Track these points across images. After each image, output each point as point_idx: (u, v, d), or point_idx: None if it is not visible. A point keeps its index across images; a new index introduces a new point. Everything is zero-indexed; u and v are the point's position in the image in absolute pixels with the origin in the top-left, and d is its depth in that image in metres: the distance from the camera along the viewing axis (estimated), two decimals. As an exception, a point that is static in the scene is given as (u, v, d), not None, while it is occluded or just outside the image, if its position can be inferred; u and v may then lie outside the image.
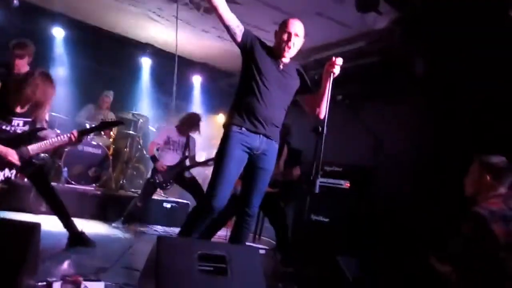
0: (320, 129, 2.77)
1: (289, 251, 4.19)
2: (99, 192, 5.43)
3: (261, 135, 2.59)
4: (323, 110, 2.70)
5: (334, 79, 2.56)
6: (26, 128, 3.15)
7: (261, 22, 5.06)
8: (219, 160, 2.54)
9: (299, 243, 4.40)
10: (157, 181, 4.96)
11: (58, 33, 6.29)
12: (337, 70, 2.53)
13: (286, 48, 2.60)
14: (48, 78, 3.10)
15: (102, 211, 5.13)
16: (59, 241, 3.37)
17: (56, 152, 5.26)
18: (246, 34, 2.61)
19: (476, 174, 2.40)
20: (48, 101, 3.16)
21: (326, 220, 4.57)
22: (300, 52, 2.81)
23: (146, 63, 7.18)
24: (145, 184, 5.11)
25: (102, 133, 6.15)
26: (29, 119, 3.15)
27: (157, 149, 5.15)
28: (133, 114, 6.48)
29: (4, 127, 3.04)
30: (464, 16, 3.68)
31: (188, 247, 2.28)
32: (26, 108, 3.10)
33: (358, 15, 4.32)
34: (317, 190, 3.88)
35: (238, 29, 2.57)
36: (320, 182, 4.14)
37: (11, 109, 3.05)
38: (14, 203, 4.40)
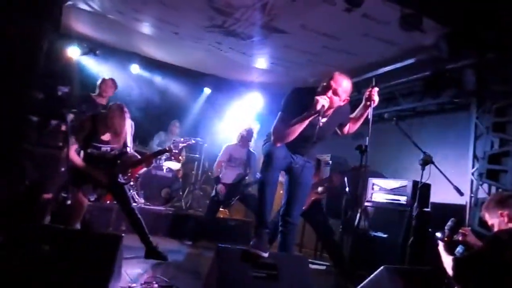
0: (363, 147, 2.98)
1: (345, 267, 4.31)
2: (170, 212, 5.97)
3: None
4: (352, 132, 3.00)
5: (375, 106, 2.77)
6: (112, 153, 3.74)
7: (310, 47, 5.36)
8: None
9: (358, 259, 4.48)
10: (220, 198, 5.35)
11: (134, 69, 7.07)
12: (376, 99, 2.74)
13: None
14: (122, 110, 3.70)
15: (174, 229, 5.66)
16: (137, 253, 3.85)
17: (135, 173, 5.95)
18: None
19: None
20: (123, 129, 3.72)
21: (385, 236, 4.62)
22: (353, 71, 3.00)
23: (207, 91, 7.73)
24: (210, 202, 5.56)
25: (173, 158, 6.76)
26: (114, 146, 3.74)
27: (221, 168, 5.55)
28: (198, 140, 7.02)
29: (96, 153, 3.66)
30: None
31: (244, 255, 2.59)
32: (109, 136, 3.69)
33: (404, 33, 4.45)
34: (363, 206, 4.05)
35: None
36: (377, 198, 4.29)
37: (99, 137, 3.66)
38: (99, 223, 5.04)
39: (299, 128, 2.65)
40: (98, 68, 6.50)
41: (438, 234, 2.58)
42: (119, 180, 3.76)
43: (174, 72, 7.23)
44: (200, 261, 4.29)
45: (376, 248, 4.51)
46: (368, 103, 2.78)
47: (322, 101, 2.57)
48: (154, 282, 2.92)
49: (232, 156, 5.56)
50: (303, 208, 4.53)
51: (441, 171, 3.42)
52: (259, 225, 2.67)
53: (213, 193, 5.51)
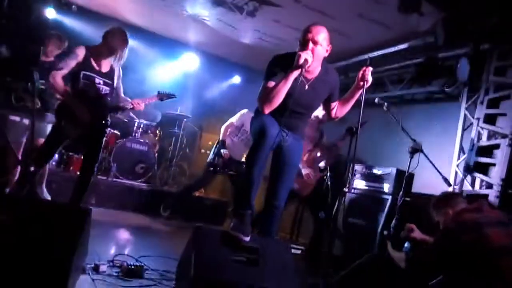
0: (354, 129, 2.83)
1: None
2: (144, 187, 5.72)
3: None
4: (342, 116, 2.84)
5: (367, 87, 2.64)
6: (103, 91, 3.45)
7: (302, 24, 5.10)
8: None
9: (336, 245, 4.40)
10: (216, 163, 5.03)
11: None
12: (370, 79, 2.60)
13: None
14: (124, 33, 3.48)
15: (146, 205, 5.42)
16: (107, 229, 3.62)
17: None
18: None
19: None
20: (123, 54, 3.48)
21: (363, 223, 4.55)
22: (342, 54, 2.85)
23: (192, 65, 7.38)
24: (205, 168, 5.20)
25: (149, 131, 6.48)
26: (107, 80, 3.46)
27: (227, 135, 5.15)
28: (177, 114, 6.74)
29: (87, 85, 3.35)
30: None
31: (223, 237, 2.40)
32: (104, 67, 3.43)
33: (400, 17, 4.30)
34: (351, 191, 3.93)
35: None
36: (358, 185, 4.17)
37: (92, 66, 3.37)
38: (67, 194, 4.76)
39: (283, 88, 2.48)
40: (75, 28, 6.07)
41: (385, 232, 2.74)
42: (103, 122, 3.46)
43: (154, 39, 6.87)
44: (173, 240, 4.11)
45: (355, 235, 4.43)
46: (362, 83, 2.63)
47: (305, 54, 2.45)
48: (123, 261, 2.72)
49: (244, 127, 5.06)
50: (305, 194, 4.40)
51: (430, 161, 3.32)
52: (243, 205, 2.46)
53: (210, 158, 5.16)
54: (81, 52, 3.30)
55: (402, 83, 5.39)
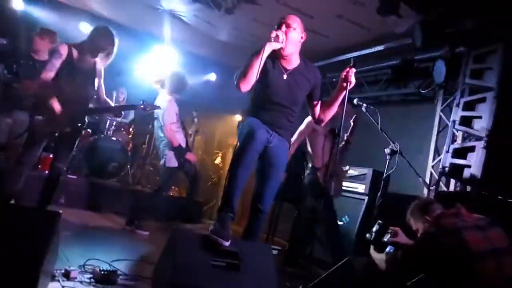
0: (336, 131, 2.81)
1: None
2: (116, 187, 5.54)
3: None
4: (327, 118, 2.81)
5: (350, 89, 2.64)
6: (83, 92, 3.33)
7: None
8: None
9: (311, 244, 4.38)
10: (187, 170, 4.63)
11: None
12: (353, 80, 2.60)
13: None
14: (110, 31, 3.39)
15: (119, 205, 5.21)
16: (77, 231, 3.46)
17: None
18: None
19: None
20: (110, 55, 3.42)
21: (340, 222, 4.56)
22: (319, 54, 2.84)
23: (165, 60, 7.12)
24: (172, 175, 4.67)
25: (122, 129, 6.29)
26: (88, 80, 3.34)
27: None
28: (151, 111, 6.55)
29: (68, 84, 3.21)
30: (488, 19, 3.63)
31: (202, 241, 2.31)
32: (88, 64, 3.31)
33: (378, 18, 4.31)
34: (332, 193, 3.91)
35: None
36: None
37: (75, 64, 3.25)
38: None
39: (256, 62, 2.50)
40: (46, 21, 5.78)
41: (367, 235, 2.67)
42: (79, 123, 3.33)
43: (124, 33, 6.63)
44: (148, 243, 3.97)
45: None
46: (345, 84, 2.62)
47: (276, 31, 2.55)
48: (95, 266, 2.59)
49: (177, 115, 4.65)
50: None
51: (409, 163, 3.34)
52: (224, 208, 2.38)
53: (173, 163, 4.54)
54: (64, 51, 3.18)
55: (379, 84, 5.45)
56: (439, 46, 4.31)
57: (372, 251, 2.60)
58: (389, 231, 2.57)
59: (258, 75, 2.54)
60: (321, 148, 3.93)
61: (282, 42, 2.56)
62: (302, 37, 2.70)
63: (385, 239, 2.54)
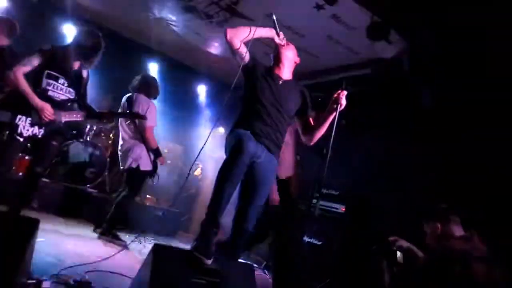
0: (324, 151, 2.81)
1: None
2: (93, 194, 5.38)
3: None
4: (316, 138, 2.83)
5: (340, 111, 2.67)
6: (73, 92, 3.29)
7: (271, 39, 5.13)
8: None
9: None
10: (158, 175, 4.53)
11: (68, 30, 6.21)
12: (344, 102, 2.65)
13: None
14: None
15: (95, 212, 5.03)
16: (50, 238, 3.33)
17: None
18: (253, 57, 2.78)
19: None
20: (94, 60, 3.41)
21: (319, 243, 4.55)
22: (306, 73, 2.91)
23: (153, 68, 7.09)
24: (143, 179, 4.58)
25: (102, 134, 6.14)
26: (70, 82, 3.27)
27: None
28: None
29: (49, 86, 3.16)
30: (476, 52, 3.74)
31: (183, 258, 2.25)
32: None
33: (367, 42, 4.40)
34: (317, 213, 3.88)
35: (246, 54, 2.74)
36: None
37: (57, 66, 3.19)
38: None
39: (252, 27, 2.77)
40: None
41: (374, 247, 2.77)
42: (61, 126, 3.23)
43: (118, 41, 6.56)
44: (123, 254, 3.84)
45: (310, 255, 4.42)
46: (335, 106, 2.66)
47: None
48: (69, 277, 2.48)
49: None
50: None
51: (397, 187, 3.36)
52: (208, 223, 2.31)
53: (146, 167, 4.49)
54: (46, 52, 3.11)
55: (364, 107, 5.49)
56: (427, 73, 4.39)
57: (385, 265, 2.64)
58: (390, 239, 2.62)
59: (251, 80, 2.70)
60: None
61: (283, 41, 2.87)
62: (295, 62, 2.94)
63: (393, 248, 2.58)
